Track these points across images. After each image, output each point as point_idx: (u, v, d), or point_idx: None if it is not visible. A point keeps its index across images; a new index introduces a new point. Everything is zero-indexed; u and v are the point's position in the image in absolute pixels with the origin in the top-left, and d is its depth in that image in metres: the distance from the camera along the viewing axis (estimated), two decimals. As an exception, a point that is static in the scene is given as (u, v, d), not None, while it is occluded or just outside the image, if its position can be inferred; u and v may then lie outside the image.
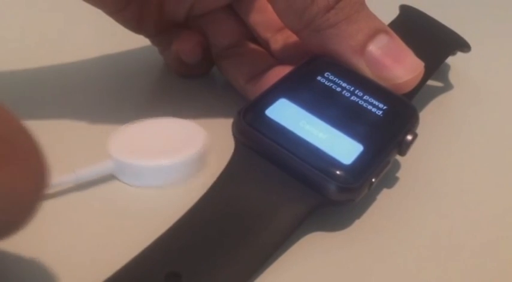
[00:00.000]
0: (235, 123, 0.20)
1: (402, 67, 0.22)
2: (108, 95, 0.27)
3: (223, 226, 0.18)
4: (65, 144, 0.23)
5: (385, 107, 0.21)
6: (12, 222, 0.13)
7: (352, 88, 0.21)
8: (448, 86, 0.29)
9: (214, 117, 0.25)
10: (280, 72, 0.23)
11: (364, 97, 0.21)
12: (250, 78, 0.25)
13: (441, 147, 0.25)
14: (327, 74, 0.22)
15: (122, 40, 0.30)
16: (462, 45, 0.28)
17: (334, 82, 0.21)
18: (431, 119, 0.26)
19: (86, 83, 0.28)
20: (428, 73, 0.24)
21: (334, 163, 0.19)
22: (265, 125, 0.20)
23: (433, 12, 0.28)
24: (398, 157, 0.21)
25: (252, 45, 0.27)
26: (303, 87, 0.21)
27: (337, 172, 0.19)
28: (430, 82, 0.27)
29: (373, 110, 0.21)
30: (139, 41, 0.29)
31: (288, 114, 0.20)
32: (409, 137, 0.20)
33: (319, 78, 0.21)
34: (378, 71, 0.22)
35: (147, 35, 0.28)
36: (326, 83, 0.21)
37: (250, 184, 0.19)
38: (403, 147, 0.21)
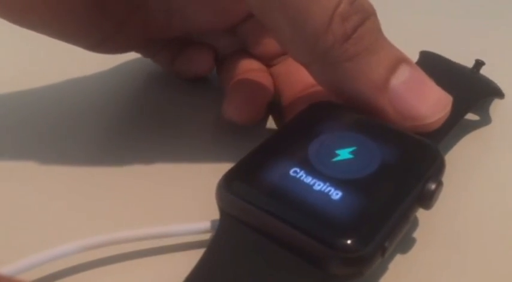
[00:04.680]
0: (217, 193, 0.17)
1: (429, 104, 0.18)
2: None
3: None
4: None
5: (397, 152, 0.17)
6: None
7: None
8: (485, 120, 0.25)
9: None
10: None
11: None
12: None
13: (473, 198, 0.20)
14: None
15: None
16: (492, 93, 0.24)
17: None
18: (463, 161, 0.22)
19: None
20: (452, 123, 0.20)
21: (333, 226, 0.15)
22: (250, 191, 0.16)
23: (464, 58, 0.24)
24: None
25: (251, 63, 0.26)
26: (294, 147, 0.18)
27: (337, 238, 0.15)
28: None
29: (382, 157, 0.17)
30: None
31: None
32: (432, 186, 0.16)
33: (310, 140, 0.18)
34: (404, 110, 0.18)
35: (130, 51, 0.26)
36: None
37: (239, 266, 0.15)
38: (425, 199, 0.16)
